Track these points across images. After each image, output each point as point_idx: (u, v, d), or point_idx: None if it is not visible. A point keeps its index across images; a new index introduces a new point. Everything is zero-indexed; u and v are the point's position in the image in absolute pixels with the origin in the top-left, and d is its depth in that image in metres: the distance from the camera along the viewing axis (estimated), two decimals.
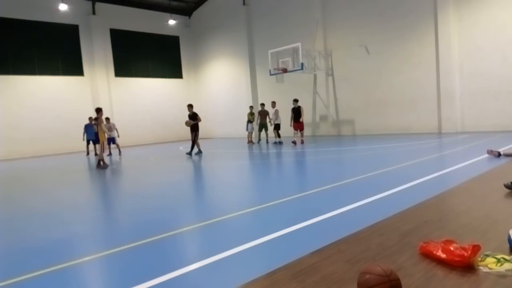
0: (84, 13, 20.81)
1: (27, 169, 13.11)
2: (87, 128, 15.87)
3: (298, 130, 14.29)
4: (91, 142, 15.92)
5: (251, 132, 16.63)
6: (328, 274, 2.52)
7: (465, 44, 13.43)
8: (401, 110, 15.33)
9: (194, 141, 12.69)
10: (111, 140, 15.65)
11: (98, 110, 10.94)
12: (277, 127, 15.10)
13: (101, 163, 10.82)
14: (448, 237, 2.81)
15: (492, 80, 12.83)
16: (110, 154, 15.55)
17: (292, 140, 14.19)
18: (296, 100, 14.34)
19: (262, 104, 16.12)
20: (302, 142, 14.16)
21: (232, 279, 2.66)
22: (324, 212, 4.15)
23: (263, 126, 15.87)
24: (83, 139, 16.20)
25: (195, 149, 12.81)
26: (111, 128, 15.63)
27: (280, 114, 15.23)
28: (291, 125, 14.40)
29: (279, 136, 14.99)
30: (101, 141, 10.72)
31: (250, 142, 16.48)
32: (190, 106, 12.95)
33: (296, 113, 14.19)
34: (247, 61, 21.54)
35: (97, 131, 10.73)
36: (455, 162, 7.13)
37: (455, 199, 4.48)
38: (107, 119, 15.90)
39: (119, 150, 16.04)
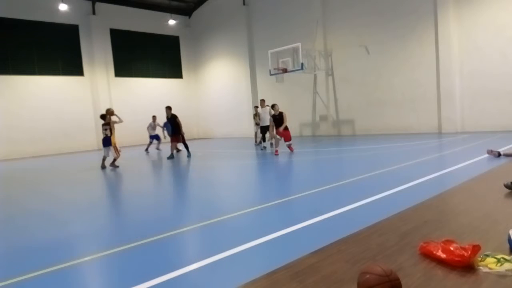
0: (84, 13, 20.82)
1: (27, 169, 13.11)
2: (166, 125, 15.75)
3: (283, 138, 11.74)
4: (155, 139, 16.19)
5: (256, 132, 15.83)
6: (328, 274, 2.52)
7: (465, 44, 13.43)
8: (401, 110, 15.33)
9: (184, 142, 12.52)
10: (155, 137, 16.04)
11: (110, 113, 11.04)
12: (264, 129, 13.41)
13: (114, 163, 10.93)
14: (448, 237, 2.81)
15: (492, 80, 12.83)
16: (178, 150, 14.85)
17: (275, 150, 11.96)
18: (274, 106, 11.62)
19: (256, 107, 15.66)
20: (291, 149, 11.55)
21: (232, 279, 2.66)
22: (324, 212, 4.15)
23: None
24: (164, 136, 15.56)
25: (169, 152, 12.50)
26: (155, 126, 16.06)
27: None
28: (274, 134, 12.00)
29: (264, 140, 13.61)
30: (113, 143, 10.72)
31: (258, 143, 15.49)
32: (168, 109, 12.30)
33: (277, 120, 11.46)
34: (247, 61, 21.54)
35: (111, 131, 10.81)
36: (455, 162, 7.13)
37: (455, 199, 4.48)
38: (154, 117, 16.23)
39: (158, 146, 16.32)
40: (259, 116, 13.98)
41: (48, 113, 19.36)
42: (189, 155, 12.51)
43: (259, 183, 7.46)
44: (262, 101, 14.01)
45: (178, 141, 12.44)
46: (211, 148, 15.81)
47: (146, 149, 16.27)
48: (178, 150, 13.21)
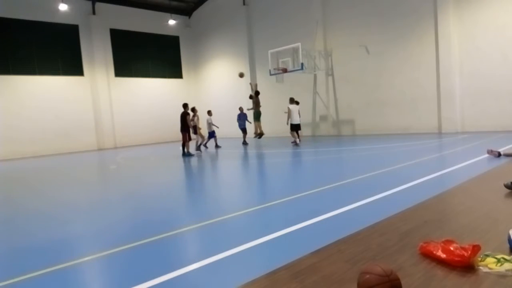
0: (84, 13, 20.82)
1: (28, 169, 13.10)
2: (240, 117, 16.28)
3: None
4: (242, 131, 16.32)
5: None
6: (328, 274, 2.52)
7: (465, 44, 13.43)
8: (401, 110, 15.33)
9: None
10: (213, 134, 15.98)
11: (186, 106, 12.91)
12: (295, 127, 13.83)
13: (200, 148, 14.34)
14: (448, 237, 2.81)
15: (492, 80, 12.83)
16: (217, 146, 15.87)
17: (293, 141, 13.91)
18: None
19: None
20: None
21: (232, 279, 2.66)
22: (324, 212, 4.15)
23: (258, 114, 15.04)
24: (239, 126, 16.35)
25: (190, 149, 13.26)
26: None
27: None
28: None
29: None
30: (198, 131, 14.28)
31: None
32: (193, 109, 14.02)
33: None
34: (247, 61, 21.55)
35: (195, 125, 13.66)
36: (455, 162, 7.13)
37: (455, 199, 4.48)
38: (209, 112, 16.24)
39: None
40: (289, 113, 13.65)
41: (48, 113, 19.36)
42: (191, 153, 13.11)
43: (259, 183, 7.46)
44: (292, 99, 14.02)
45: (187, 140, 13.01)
46: (211, 148, 15.79)
47: (216, 145, 15.99)
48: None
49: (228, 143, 17.29)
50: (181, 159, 12.18)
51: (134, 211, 5.42)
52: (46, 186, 8.81)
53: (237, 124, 16.50)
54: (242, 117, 16.22)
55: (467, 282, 2.26)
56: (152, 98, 23.44)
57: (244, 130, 16.14)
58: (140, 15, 22.87)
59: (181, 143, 13.07)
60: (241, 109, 16.43)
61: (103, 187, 8.50)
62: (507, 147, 8.43)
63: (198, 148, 14.19)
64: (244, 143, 15.94)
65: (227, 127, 23.42)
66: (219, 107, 24.14)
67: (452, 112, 13.86)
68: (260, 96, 15.50)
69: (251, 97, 15.61)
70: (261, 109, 15.59)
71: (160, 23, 23.55)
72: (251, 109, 15.59)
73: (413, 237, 3.10)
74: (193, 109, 14.37)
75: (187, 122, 12.60)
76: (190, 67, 25.68)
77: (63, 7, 18.94)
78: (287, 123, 13.96)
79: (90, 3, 20.99)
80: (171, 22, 23.21)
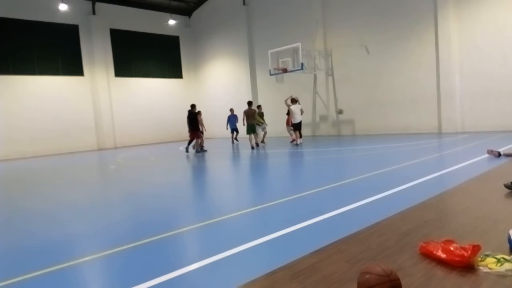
0: (84, 13, 20.81)
1: (28, 169, 13.10)
2: (230, 119, 17.06)
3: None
4: (234, 131, 17.11)
5: (257, 134, 15.09)
6: (328, 274, 2.52)
7: (465, 44, 13.43)
8: (401, 110, 15.32)
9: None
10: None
11: (194, 106, 13.75)
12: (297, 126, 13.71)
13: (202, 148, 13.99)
14: (448, 237, 2.81)
15: (492, 80, 12.82)
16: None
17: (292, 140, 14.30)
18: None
19: (258, 106, 15.98)
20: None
21: (232, 279, 2.66)
22: (324, 212, 4.15)
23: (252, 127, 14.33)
24: (227, 128, 17.17)
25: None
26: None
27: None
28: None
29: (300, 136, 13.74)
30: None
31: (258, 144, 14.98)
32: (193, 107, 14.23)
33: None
34: (247, 61, 21.54)
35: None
36: (455, 162, 7.13)
37: (455, 199, 4.48)
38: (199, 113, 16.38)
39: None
40: (292, 113, 13.54)
41: (48, 113, 19.34)
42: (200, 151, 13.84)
43: (259, 183, 7.46)
44: (293, 99, 13.83)
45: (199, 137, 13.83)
46: (211, 148, 15.79)
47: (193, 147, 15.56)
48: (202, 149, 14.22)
49: (228, 143, 17.30)
50: (180, 158, 12.18)
51: (134, 211, 5.42)
52: (46, 186, 8.81)
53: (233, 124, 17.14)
54: (232, 118, 16.82)
55: (467, 282, 2.26)
56: (152, 98, 23.43)
57: (235, 130, 16.88)
58: (140, 15, 22.86)
59: (189, 141, 13.90)
60: (232, 110, 17.10)
61: (103, 187, 8.49)
62: (507, 147, 8.43)
63: (201, 148, 14.12)
64: (236, 140, 16.64)
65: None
66: (219, 107, 24.14)
67: (452, 112, 13.86)
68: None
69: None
70: (261, 109, 15.64)
71: (160, 23, 23.54)
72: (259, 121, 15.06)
73: (413, 237, 3.10)
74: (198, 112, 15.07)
75: (199, 122, 13.72)
76: (190, 67, 25.67)
77: (63, 7, 18.93)
78: (290, 124, 14.05)
79: (90, 3, 20.98)
80: (171, 22, 23.20)
